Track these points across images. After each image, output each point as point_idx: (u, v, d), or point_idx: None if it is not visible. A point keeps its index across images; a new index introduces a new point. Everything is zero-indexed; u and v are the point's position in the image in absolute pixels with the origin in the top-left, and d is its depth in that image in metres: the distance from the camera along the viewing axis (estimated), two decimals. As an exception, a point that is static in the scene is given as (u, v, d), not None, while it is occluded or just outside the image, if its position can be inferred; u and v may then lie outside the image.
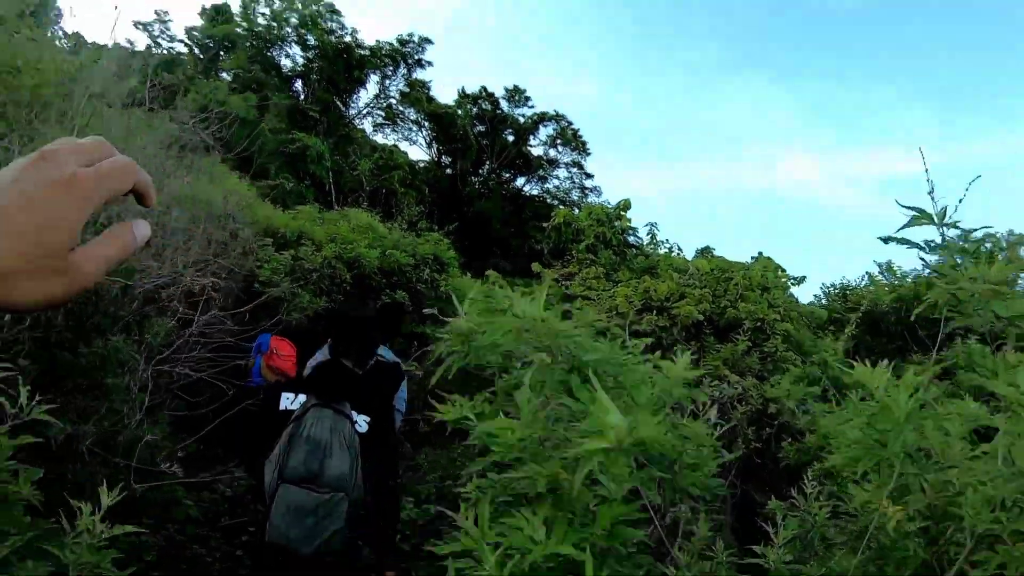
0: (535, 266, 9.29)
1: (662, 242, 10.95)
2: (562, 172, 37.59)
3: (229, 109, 21.14)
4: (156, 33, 25.82)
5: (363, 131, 28.69)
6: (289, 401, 3.47)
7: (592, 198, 38.17)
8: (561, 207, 36.29)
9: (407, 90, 30.84)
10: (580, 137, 37.06)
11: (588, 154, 37.50)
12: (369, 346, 3.75)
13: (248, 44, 26.57)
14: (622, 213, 10.09)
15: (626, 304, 7.76)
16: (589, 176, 38.16)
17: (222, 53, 26.50)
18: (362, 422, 3.42)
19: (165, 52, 24.69)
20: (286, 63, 28.24)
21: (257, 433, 3.55)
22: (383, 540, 3.54)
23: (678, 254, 10.29)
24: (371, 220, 10.06)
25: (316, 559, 3.22)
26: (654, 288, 8.06)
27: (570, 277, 9.80)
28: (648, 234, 11.70)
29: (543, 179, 37.96)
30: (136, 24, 25.60)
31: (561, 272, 9.93)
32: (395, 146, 30.76)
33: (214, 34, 26.25)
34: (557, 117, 36.47)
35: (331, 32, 27.13)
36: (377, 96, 29.96)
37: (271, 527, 3.24)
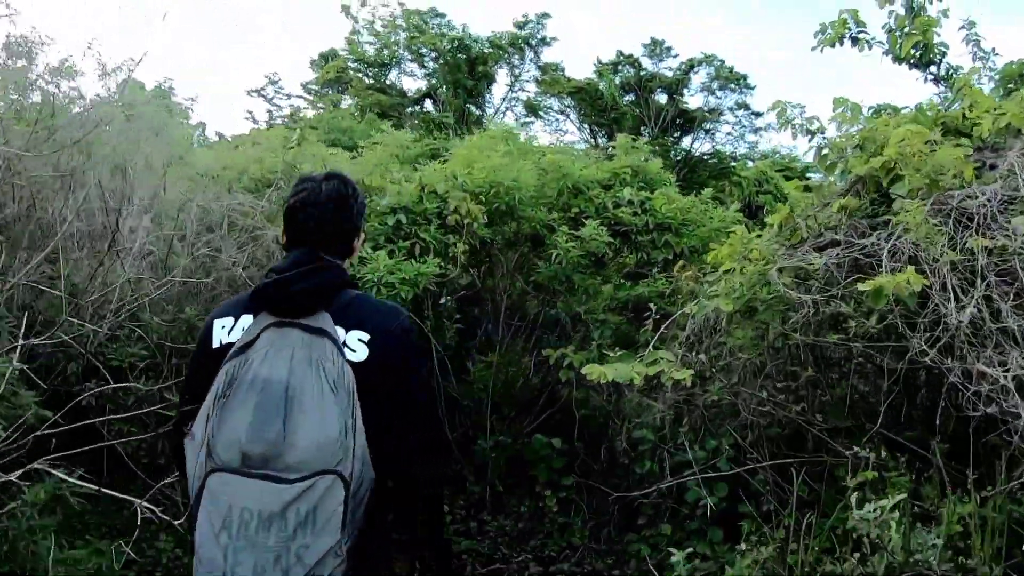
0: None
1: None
2: (728, 118, 31.64)
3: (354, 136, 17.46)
4: (271, 96, 23.25)
5: (506, 132, 24.77)
6: (225, 331, 1.90)
7: (763, 145, 32.02)
8: (734, 163, 30.67)
9: (541, 76, 26.58)
10: (737, 73, 31.02)
11: (751, 88, 31.31)
12: (347, 225, 2.01)
13: (363, 76, 23.48)
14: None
15: None
16: (758, 115, 32.01)
17: (342, 95, 23.53)
18: (356, 343, 1.82)
19: (285, 113, 21.99)
20: (409, 85, 24.94)
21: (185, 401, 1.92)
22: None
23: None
24: (509, 130, 5.45)
25: None
26: None
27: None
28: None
29: (709, 132, 32.15)
30: (249, 92, 23.15)
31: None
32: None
33: (328, 79, 23.31)
34: (707, 59, 30.64)
35: (442, 36, 23.42)
36: (511, 87, 25.97)
37: (199, 560, 1.68)
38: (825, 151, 3.57)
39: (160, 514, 2.81)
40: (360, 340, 1.84)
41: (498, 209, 4.46)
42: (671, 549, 3.40)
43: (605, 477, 4.49)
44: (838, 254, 3.02)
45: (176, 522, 2.83)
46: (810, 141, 4.01)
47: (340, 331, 1.82)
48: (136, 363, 4.25)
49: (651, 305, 3.97)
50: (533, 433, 5.01)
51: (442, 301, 4.54)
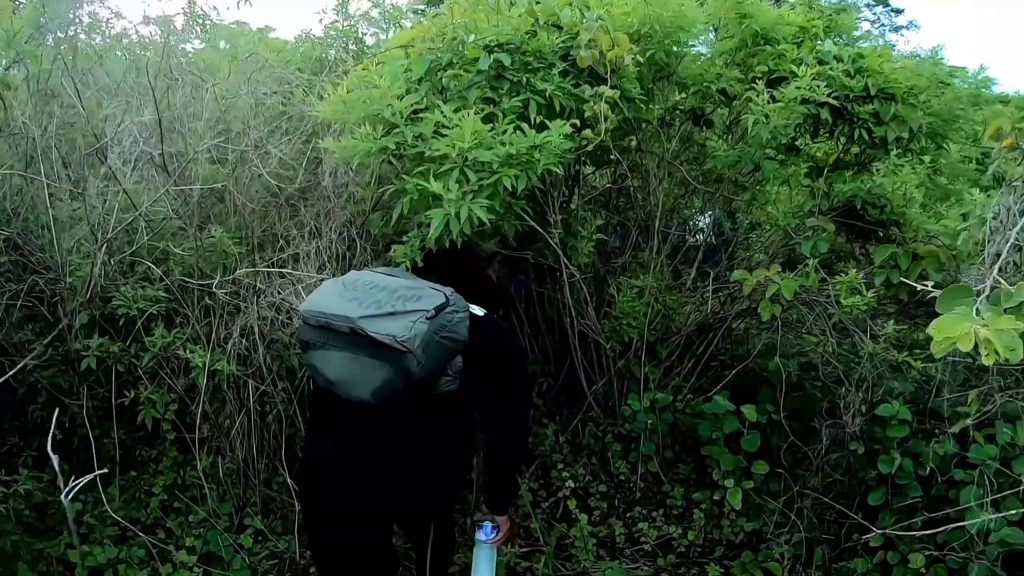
0: None
1: None
2: (866, 16, 27.86)
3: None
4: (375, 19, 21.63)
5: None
6: None
7: (902, 46, 28.04)
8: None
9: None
10: (872, -40, 27.14)
11: (889, -22, 27.51)
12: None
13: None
14: None
15: None
16: (898, 11, 28.16)
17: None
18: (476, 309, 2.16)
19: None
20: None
21: None
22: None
23: None
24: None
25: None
26: None
27: None
28: None
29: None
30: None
31: None
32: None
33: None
34: (839, -51, 26.75)
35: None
36: None
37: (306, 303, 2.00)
38: None
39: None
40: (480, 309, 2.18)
41: (651, 61, 2.80)
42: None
43: (820, 473, 2.90)
44: None
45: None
46: None
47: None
48: (147, 308, 2.94)
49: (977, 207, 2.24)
50: (698, 392, 3.46)
51: (573, 204, 2.97)
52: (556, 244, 2.76)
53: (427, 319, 1.86)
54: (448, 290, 2.03)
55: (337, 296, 1.94)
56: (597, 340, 3.29)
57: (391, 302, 1.89)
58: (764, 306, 2.70)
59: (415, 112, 2.29)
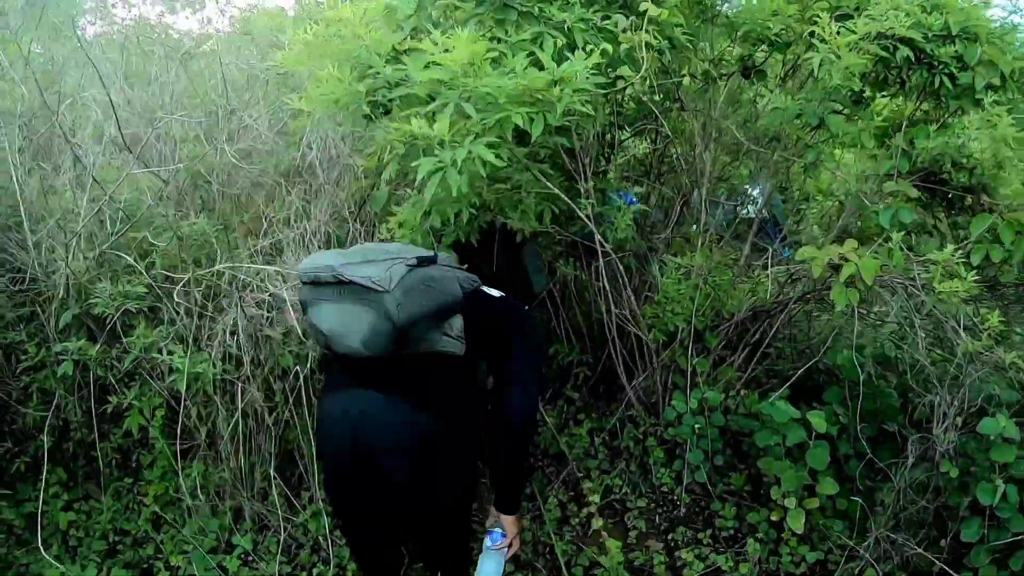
0: None
1: None
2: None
3: None
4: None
5: None
6: None
7: None
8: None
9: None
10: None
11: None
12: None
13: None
14: None
15: None
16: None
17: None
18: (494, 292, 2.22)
19: None
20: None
21: None
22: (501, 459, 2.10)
23: None
24: None
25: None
26: None
27: None
28: None
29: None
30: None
31: None
32: None
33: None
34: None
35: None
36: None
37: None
38: None
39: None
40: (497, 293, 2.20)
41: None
42: None
43: (902, 498, 2.39)
44: None
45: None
46: None
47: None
48: (124, 305, 2.61)
49: None
50: (751, 384, 2.99)
51: (609, 173, 2.53)
52: (587, 218, 2.32)
53: (406, 265, 1.89)
54: (443, 255, 2.05)
55: (326, 255, 2.00)
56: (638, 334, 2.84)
57: (375, 254, 1.94)
58: (838, 292, 2.20)
59: (398, 59, 1.88)
